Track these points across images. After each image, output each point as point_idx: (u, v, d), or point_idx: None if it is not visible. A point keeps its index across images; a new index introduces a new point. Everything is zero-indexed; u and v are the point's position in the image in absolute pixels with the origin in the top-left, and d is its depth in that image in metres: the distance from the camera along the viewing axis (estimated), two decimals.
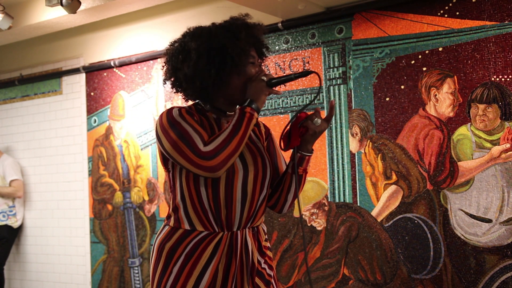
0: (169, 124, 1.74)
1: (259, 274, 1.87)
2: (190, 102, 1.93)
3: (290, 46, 3.81)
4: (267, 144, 1.98)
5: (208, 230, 1.79)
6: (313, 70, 1.86)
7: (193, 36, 1.82)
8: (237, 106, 1.83)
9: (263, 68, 1.93)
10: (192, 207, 1.79)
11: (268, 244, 1.97)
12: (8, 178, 5.05)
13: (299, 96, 3.77)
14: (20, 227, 5.21)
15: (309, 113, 1.87)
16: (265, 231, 1.97)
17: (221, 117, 1.87)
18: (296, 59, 3.78)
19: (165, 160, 1.84)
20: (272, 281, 1.91)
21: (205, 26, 1.87)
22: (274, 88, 1.82)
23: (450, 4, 3.22)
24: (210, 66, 1.76)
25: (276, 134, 3.83)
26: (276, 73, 3.87)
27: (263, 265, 1.89)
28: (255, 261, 1.84)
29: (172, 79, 1.86)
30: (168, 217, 1.86)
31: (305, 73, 1.80)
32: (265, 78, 1.78)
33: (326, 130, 3.66)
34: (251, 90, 1.77)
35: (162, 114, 1.79)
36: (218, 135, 1.70)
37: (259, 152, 1.87)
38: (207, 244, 1.78)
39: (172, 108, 1.79)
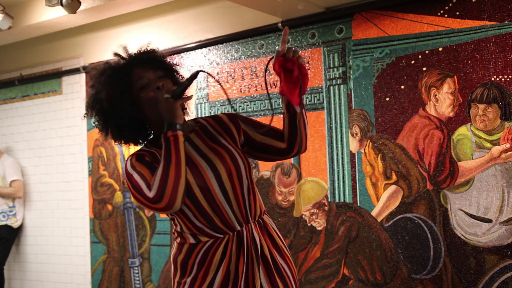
0: (128, 178, 1.80)
1: (278, 272, 1.85)
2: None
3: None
4: (236, 126, 1.93)
5: (213, 238, 1.82)
6: (200, 70, 1.84)
7: (90, 104, 1.95)
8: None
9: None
10: (188, 226, 1.82)
11: (284, 243, 1.95)
12: (8, 179, 5.05)
13: None
14: (20, 227, 5.21)
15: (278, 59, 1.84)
16: (274, 227, 1.95)
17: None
18: None
19: None
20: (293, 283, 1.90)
21: (93, 90, 1.96)
22: (184, 96, 1.80)
23: (450, 4, 3.22)
24: (118, 125, 1.86)
25: None
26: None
27: (283, 265, 1.88)
28: (266, 253, 1.84)
29: (109, 136, 1.93)
30: (175, 234, 1.91)
31: (194, 75, 1.80)
32: (167, 95, 1.76)
33: (327, 130, 3.66)
34: (163, 112, 1.76)
35: (125, 168, 1.86)
36: (156, 174, 1.71)
37: (225, 149, 1.85)
38: (216, 249, 1.81)
39: (127, 161, 1.84)
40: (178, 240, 1.87)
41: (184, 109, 1.87)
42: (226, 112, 2.01)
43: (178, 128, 1.74)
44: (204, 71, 1.83)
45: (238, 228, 1.82)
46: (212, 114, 3.66)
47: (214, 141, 1.88)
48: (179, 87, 1.78)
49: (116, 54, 1.96)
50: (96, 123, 1.92)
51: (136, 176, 1.77)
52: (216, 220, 1.80)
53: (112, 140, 1.92)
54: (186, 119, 1.92)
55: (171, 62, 1.93)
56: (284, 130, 1.90)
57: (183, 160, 1.72)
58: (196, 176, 1.78)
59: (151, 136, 1.95)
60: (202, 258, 1.81)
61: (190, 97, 1.82)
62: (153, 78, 1.85)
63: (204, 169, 1.80)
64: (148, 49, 1.94)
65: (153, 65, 1.88)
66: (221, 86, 1.92)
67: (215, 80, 1.92)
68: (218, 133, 1.91)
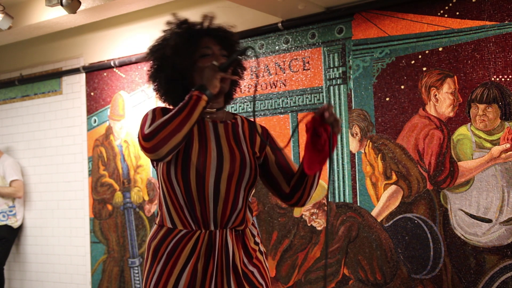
0: (144, 117, 1.84)
1: (247, 279, 1.83)
2: None
3: (290, 46, 3.81)
4: (262, 144, 1.94)
5: (187, 229, 1.81)
6: (250, 46, 1.87)
7: (155, 47, 1.94)
8: (217, 99, 1.89)
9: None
10: (171, 203, 1.83)
11: (259, 248, 1.92)
12: (8, 179, 5.05)
13: (299, 96, 3.77)
14: (20, 227, 5.21)
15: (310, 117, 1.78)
16: (255, 235, 1.93)
17: (203, 116, 1.89)
18: (296, 59, 3.78)
19: None
20: None
21: (164, 34, 1.96)
22: (227, 72, 1.83)
23: (450, 4, 3.22)
24: (167, 76, 1.88)
25: (276, 134, 3.84)
26: (276, 73, 3.87)
27: (255, 273, 1.86)
28: (237, 263, 1.81)
29: (154, 84, 1.95)
30: (156, 214, 1.89)
31: (243, 50, 1.87)
32: (216, 63, 1.81)
33: None
34: (203, 75, 1.80)
35: None
36: (162, 118, 1.75)
37: (240, 152, 1.85)
38: (186, 242, 1.80)
39: (152, 109, 1.88)
40: (157, 221, 1.87)
41: (225, 86, 1.87)
42: (263, 126, 2.01)
43: (206, 93, 1.75)
44: (252, 49, 1.86)
45: (212, 228, 1.81)
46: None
47: (236, 142, 1.88)
48: (227, 60, 1.83)
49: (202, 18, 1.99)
50: (151, 68, 1.93)
51: (149, 116, 1.81)
52: (197, 208, 1.79)
53: (154, 90, 1.95)
54: (227, 110, 1.97)
55: (240, 49, 1.93)
56: (293, 178, 1.91)
57: (193, 120, 1.72)
58: (200, 159, 1.79)
59: None
60: (172, 248, 1.81)
61: (234, 76, 1.87)
62: (217, 53, 1.88)
63: (212, 158, 1.80)
64: (227, 28, 1.97)
65: (223, 42, 1.91)
66: (257, 77, 1.97)
67: (258, 65, 1.95)
68: (244, 137, 1.91)
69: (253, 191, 1.91)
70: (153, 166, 1.92)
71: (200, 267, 1.79)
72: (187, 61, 1.86)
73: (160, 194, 1.87)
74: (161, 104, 1.99)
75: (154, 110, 1.84)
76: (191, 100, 1.73)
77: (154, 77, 1.93)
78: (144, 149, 1.72)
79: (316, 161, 1.76)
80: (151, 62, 1.93)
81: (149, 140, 1.69)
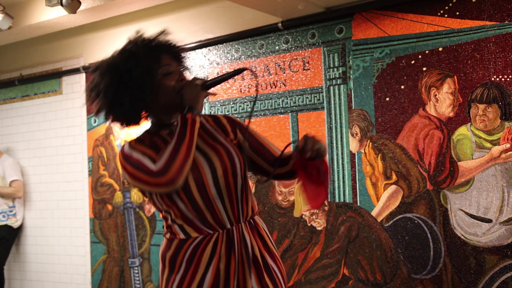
0: (124, 159, 1.80)
1: (267, 270, 1.86)
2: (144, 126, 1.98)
3: (290, 46, 3.81)
4: (234, 132, 1.96)
5: (203, 234, 1.81)
6: (245, 67, 1.87)
7: (103, 74, 1.84)
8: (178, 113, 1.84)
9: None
10: (179, 219, 1.82)
11: (270, 239, 1.97)
12: (8, 179, 5.05)
13: (299, 96, 3.77)
14: (20, 227, 5.21)
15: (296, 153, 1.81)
16: (265, 228, 1.96)
17: (172, 130, 1.87)
18: (296, 59, 3.78)
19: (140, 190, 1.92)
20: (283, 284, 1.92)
21: (108, 58, 1.87)
22: (209, 91, 1.85)
23: (450, 4, 3.22)
24: (125, 98, 1.80)
25: (276, 134, 3.84)
26: (276, 73, 3.87)
27: (274, 267, 1.89)
28: (256, 254, 1.84)
29: (105, 112, 1.88)
30: (165, 230, 1.90)
31: (239, 71, 1.85)
32: (199, 82, 1.81)
33: (327, 130, 3.66)
34: (187, 96, 1.80)
35: (119, 153, 1.85)
36: (165, 149, 1.74)
37: (222, 146, 1.86)
38: (205, 246, 1.80)
39: (124, 145, 1.85)
40: (168, 235, 1.86)
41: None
42: (225, 114, 2.05)
43: (196, 114, 1.78)
44: (248, 69, 1.90)
45: (229, 226, 1.82)
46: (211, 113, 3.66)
47: (213, 138, 1.89)
48: (214, 79, 1.85)
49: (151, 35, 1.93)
50: (103, 86, 1.83)
51: (136, 155, 1.77)
52: (207, 215, 1.80)
53: (103, 114, 1.87)
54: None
55: (235, 70, 1.96)
56: (283, 169, 1.94)
57: (194, 143, 1.75)
58: (192, 169, 1.78)
59: (149, 125, 1.94)
60: (191, 255, 1.81)
61: (215, 93, 1.92)
62: (177, 69, 1.88)
63: (201, 163, 1.80)
64: (178, 44, 1.96)
65: (179, 58, 1.92)
66: (257, 88, 1.97)
67: (256, 81, 1.95)
68: (216, 131, 1.92)
69: (249, 174, 1.94)
70: (145, 197, 1.93)
71: (222, 266, 1.80)
72: (152, 80, 1.81)
73: (163, 212, 1.87)
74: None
75: (133, 148, 1.80)
76: (187, 123, 1.75)
77: (104, 92, 1.82)
78: (159, 185, 1.71)
79: (319, 195, 1.81)
80: (102, 77, 1.83)
81: (164, 175, 1.69)
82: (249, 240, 1.84)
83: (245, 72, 3.98)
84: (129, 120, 1.88)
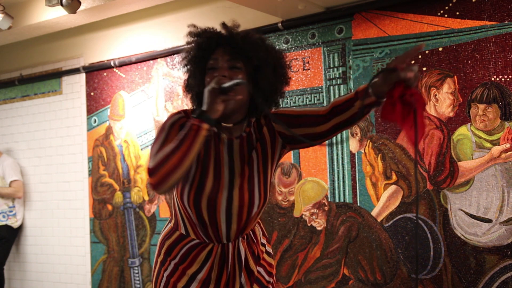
0: (159, 129, 1.76)
1: (257, 281, 1.88)
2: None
3: (290, 46, 3.81)
4: (274, 136, 1.82)
5: (200, 240, 1.82)
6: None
7: (183, 57, 1.86)
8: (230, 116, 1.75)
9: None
10: (185, 217, 1.82)
11: (266, 249, 1.94)
12: (8, 179, 5.05)
13: (299, 96, 3.77)
14: (20, 227, 5.21)
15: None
16: (262, 232, 1.95)
17: (220, 130, 1.78)
18: (296, 59, 3.78)
19: None
20: (270, 287, 1.92)
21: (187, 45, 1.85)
22: (231, 93, 1.65)
23: (450, 4, 3.22)
24: (189, 80, 1.81)
25: None
26: None
27: (262, 273, 1.90)
28: (252, 267, 1.85)
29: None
30: (171, 215, 1.91)
31: (241, 82, 1.67)
32: (215, 85, 1.64)
33: None
34: (205, 99, 1.64)
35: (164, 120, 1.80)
36: (164, 149, 1.61)
37: (250, 175, 1.77)
38: (200, 251, 1.82)
39: (173, 114, 1.78)
40: (172, 223, 1.87)
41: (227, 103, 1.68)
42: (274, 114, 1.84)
43: (207, 120, 1.60)
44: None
45: (225, 241, 1.82)
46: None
47: (249, 159, 1.79)
48: (230, 82, 1.65)
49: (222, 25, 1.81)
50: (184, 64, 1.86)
51: (163, 135, 1.70)
52: (209, 229, 1.79)
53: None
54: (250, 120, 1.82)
55: (270, 58, 1.75)
56: (339, 112, 1.74)
57: (193, 153, 1.59)
58: (213, 190, 1.73)
59: None
60: (186, 251, 1.82)
61: (235, 98, 1.68)
62: (225, 65, 1.72)
63: (223, 184, 1.75)
64: (249, 35, 1.77)
65: (236, 52, 1.73)
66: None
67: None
68: (257, 151, 1.80)
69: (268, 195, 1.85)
70: None
71: (214, 276, 1.81)
72: (198, 71, 1.76)
73: (174, 203, 1.86)
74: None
75: (172, 126, 1.72)
76: (190, 131, 1.59)
77: (187, 83, 1.84)
78: (148, 180, 1.64)
79: (414, 133, 1.55)
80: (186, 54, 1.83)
81: (152, 176, 1.60)
82: (244, 256, 1.84)
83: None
84: (198, 103, 1.82)
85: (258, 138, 1.82)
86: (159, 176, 1.58)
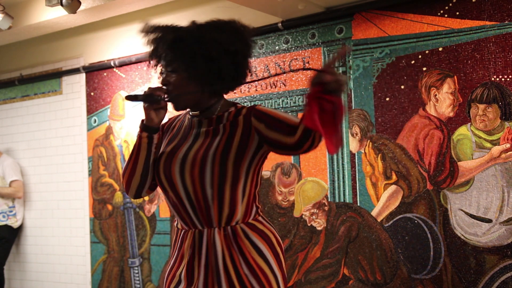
0: None
1: (241, 283, 1.75)
2: None
3: (290, 46, 3.81)
4: (249, 129, 1.79)
5: (183, 228, 1.85)
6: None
7: None
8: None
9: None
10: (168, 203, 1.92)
11: (264, 252, 1.79)
12: (8, 179, 5.05)
13: (299, 96, 3.77)
14: (20, 227, 5.21)
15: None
16: (253, 237, 1.80)
17: (191, 118, 1.90)
18: (296, 59, 3.78)
19: None
20: None
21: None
22: (162, 102, 1.78)
23: (450, 4, 3.22)
24: None
25: None
26: (276, 73, 3.87)
27: (249, 277, 1.76)
28: (228, 264, 1.75)
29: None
30: None
31: (152, 99, 1.79)
32: (131, 94, 1.84)
33: None
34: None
35: None
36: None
37: (206, 149, 1.77)
38: (186, 240, 1.83)
39: None
40: (175, 222, 1.95)
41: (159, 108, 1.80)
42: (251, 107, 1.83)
43: (145, 129, 1.80)
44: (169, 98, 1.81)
45: (200, 227, 1.79)
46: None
47: (212, 139, 1.79)
48: (138, 95, 1.82)
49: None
50: None
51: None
52: (180, 210, 1.82)
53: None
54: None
55: (206, 49, 1.74)
56: (298, 130, 1.68)
57: (141, 159, 1.81)
58: (166, 163, 1.81)
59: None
60: (179, 244, 1.86)
61: (157, 106, 1.78)
62: (165, 69, 1.83)
63: (176, 161, 1.79)
64: (182, 28, 1.79)
65: (169, 55, 1.79)
66: None
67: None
68: (224, 131, 1.80)
69: (239, 186, 1.78)
70: None
71: (184, 262, 1.82)
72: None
73: None
74: None
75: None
76: (136, 139, 1.83)
77: None
78: None
79: (333, 135, 1.52)
80: None
81: (123, 183, 1.89)
82: (220, 249, 1.76)
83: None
84: None
85: (231, 122, 1.81)
86: (124, 183, 1.87)
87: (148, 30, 1.84)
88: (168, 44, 1.77)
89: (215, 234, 1.78)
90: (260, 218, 1.86)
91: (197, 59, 1.74)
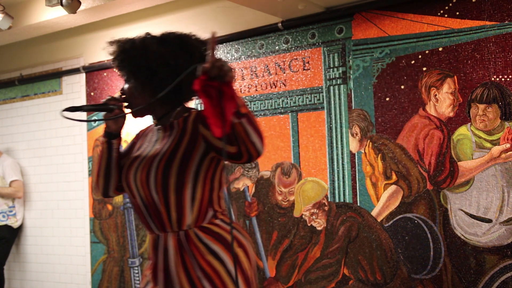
0: None
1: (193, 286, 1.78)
2: None
3: (290, 46, 3.81)
4: (195, 135, 1.81)
5: (148, 231, 1.94)
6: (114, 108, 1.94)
7: None
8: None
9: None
10: None
11: (219, 255, 1.79)
12: (8, 179, 5.05)
13: (299, 96, 3.77)
14: (20, 227, 5.21)
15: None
16: (206, 241, 1.80)
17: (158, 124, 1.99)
18: (296, 59, 3.78)
19: None
20: None
21: None
22: (115, 111, 1.93)
23: (450, 4, 3.22)
24: None
25: (276, 134, 3.84)
26: (276, 73, 3.87)
27: (202, 279, 1.77)
28: (178, 269, 1.79)
29: None
30: None
31: (106, 108, 1.93)
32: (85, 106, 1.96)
33: (327, 130, 3.66)
34: None
35: None
36: None
37: (155, 157, 1.82)
38: (149, 244, 1.94)
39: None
40: None
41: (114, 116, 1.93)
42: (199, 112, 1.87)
43: (104, 135, 1.94)
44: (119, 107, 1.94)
45: (157, 232, 1.86)
46: None
47: (160, 146, 1.85)
48: (90, 105, 1.96)
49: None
50: None
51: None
52: (140, 216, 1.90)
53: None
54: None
55: (151, 59, 1.85)
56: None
57: (103, 163, 1.94)
58: (128, 170, 1.89)
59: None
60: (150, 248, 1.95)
61: (111, 114, 1.91)
62: (124, 81, 1.97)
63: (133, 168, 1.87)
64: (130, 40, 1.96)
65: (122, 67, 1.95)
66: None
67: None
68: (174, 138, 1.84)
69: (185, 191, 1.78)
70: None
71: (158, 268, 1.86)
72: None
73: None
74: None
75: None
76: (100, 146, 1.97)
77: None
78: None
79: (216, 120, 1.52)
80: None
81: None
82: (173, 253, 1.80)
83: (244, 72, 3.98)
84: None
85: (181, 128, 1.86)
86: (94, 185, 2.05)
87: (111, 42, 2.03)
88: (116, 55, 1.94)
89: (168, 238, 1.83)
90: (217, 221, 1.84)
91: (140, 71, 1.86)
